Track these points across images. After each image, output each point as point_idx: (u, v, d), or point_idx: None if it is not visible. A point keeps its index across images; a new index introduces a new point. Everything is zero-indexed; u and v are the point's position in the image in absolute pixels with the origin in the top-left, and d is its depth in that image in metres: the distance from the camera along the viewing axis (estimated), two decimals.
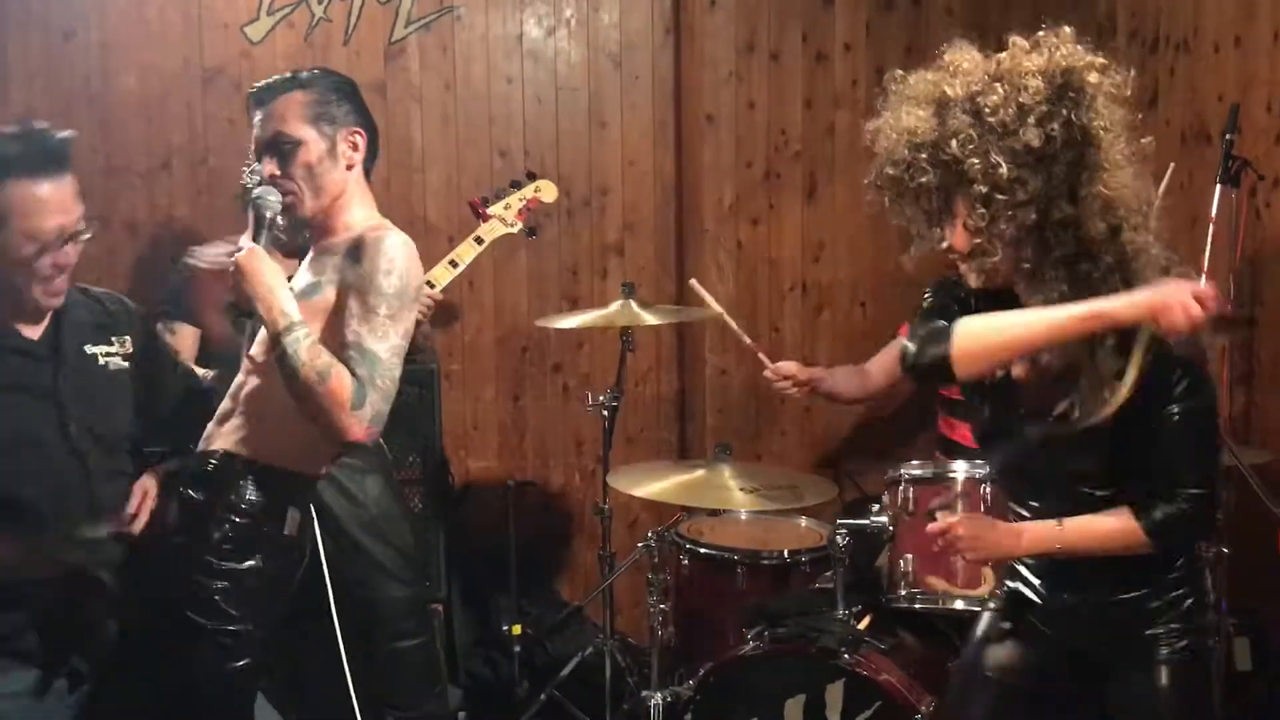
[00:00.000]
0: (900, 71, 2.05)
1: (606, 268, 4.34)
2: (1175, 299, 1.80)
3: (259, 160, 2.37)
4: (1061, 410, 1.98)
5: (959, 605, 2.85)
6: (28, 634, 2.24)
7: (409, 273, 2.23)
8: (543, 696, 3.69)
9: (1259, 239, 3.44)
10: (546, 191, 3.56)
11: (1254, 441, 3.43)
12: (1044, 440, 2.01)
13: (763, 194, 4.33)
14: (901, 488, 3.00)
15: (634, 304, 3.60)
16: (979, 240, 1.95)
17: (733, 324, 3.36)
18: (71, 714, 2.29)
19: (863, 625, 3.01)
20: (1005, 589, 2.19)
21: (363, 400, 2.14)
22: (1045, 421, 2.00)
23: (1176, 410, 1.92)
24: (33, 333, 2.32)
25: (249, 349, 2.40)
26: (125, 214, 4.05)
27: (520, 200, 3.51)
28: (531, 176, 3.60)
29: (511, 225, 3.48)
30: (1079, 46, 1.94)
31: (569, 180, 4.24)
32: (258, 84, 2.40)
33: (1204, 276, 3.17)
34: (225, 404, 2.40)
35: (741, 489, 3.34)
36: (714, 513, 3.58)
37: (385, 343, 2.18)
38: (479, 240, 3.42)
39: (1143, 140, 1.97)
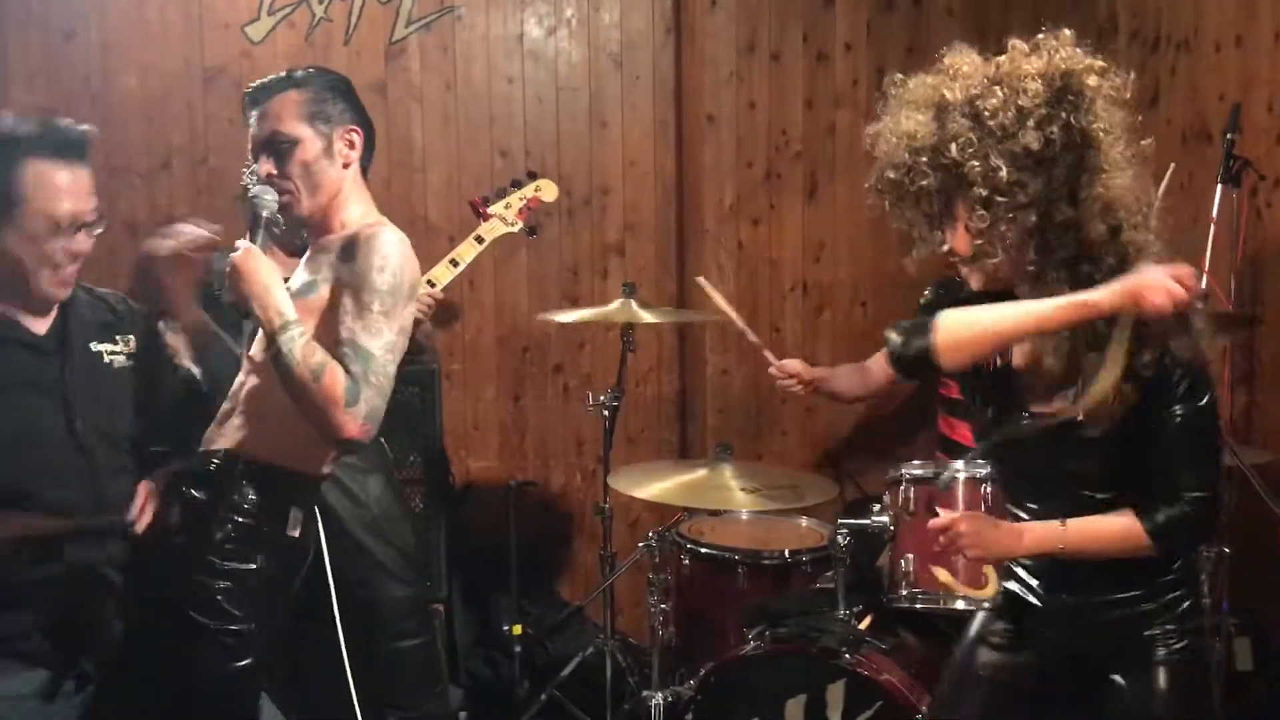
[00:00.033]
0: (900, 75, 2.05)
1: (607, 268, 4.34)
2: (1154, 281, 1.81)
3: (255, 160, 2.37)
4: (1063, 412, 1.98)
5: (960, 605, 2.84)
6: (35, 635, 2.24)
7: (402, 269, 2.23)
8: (543, 696, 3.69)
9: (1260, 239, 3.44)
10: (547, 191, 3.56)
11: (1255, 441, 3.44)
12: (1045, 442, 2.01)
13: (763, 194, 4.33)
14: (902, 487, 2.99)
15: (634, 304, 3.60)
16: (980, 242, 1.95)
17: (739, 321, 3.36)
18: (76, 715, 2.29)
19: (864, 625, 3.01)
20: (1001, 590, 2.19)
21: (357, 397, 2.14)
22: (1047, 423, 2.00)
23: (1178, 413, 1.92)
24: (39, 327, 2.32)
25: (248, 349, 2.40)
26: (126, 214, 4.05)
27: (521, 199, 3.51)
28: (532, 176, 3.60)
29: (512, 224, 3.48)
30: (1079, 49, 1.94)
31: (570, 180, 4.24)
32: (253, 84, 2.40)
33: (1205, 276, 3.18)
34: (226, 404, 2.40)
35: (742, 489, 3.34)
36: (715, 513, 3.58)
37: (379, 339, 2.18)
38: (479, 239, 3.41)
39: (1143, 142, 1.97)
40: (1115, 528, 1.96)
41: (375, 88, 4.13)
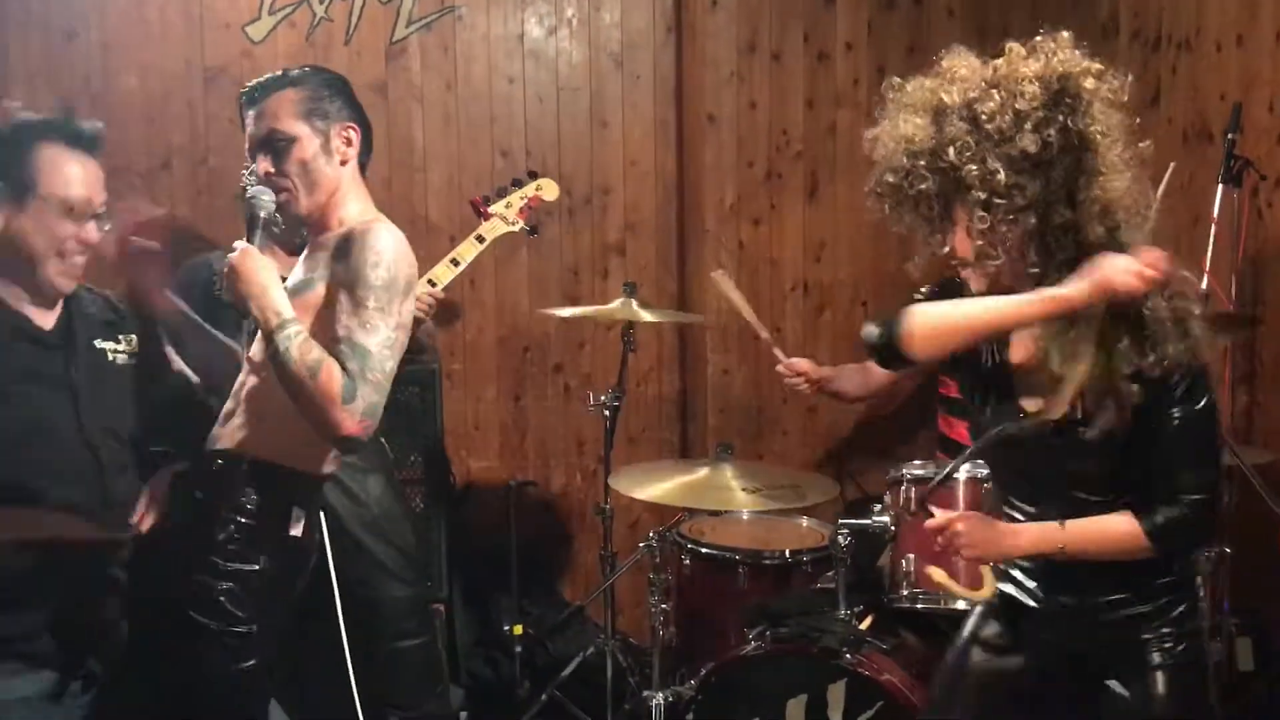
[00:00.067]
0: (898, 79, 2.05)
1: (608, 268, 4.34)
2: (1119, 266, 1.83)
3: (253, 159, 2.37)
4: (1045, 410, 1.98)
5: (961, 605, 2.85)
6: (42, 635, 2.24)
7: (397, 264, 2.22)
8: (544, 696, 3.69)
9: (1261, 239, 3.44)
10: (548, 190, 3.56)
11: (1256, 441, 3.43)
12: (1043, 442, 2.01)
13: (764, 194, 4.33)
14: (903, 487, 3.00)
15: (635, 304, 3.61)
16: (981, 244, 1.96)
17: (751, 318, 3.37)
18: (82, 715, 2.29)
19: (864, 625, 3.01)
20: (997, 591, 2.19)
21: (353, 394, 2.14)
22: (1040, 423, 2.00)
23: (1177, 415, 1.92)
24: (45, 321, 2.33)
25: (248, 348, 2.40)
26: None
27: (522, 199, 3.51)
28: (533, 175, 3.60)
29: (513, 223, 3.48)
30: (1076, 51, 1.94)
31: (570, 180, 4.24)
32: (249, 84, 2.40)
33: (1205, 276, 3.18)
34: (228, 404, 2.40)
35: (743, 489, 3.34)
36: (716, 513, 3.57)
37: (375, 336, 2.17)
38: (480, 239, 3.41)
39: (1141, 144, 1.97)
40: (1114, 528, 1.96)
41: (376, 88, 4.13)
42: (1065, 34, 1.95)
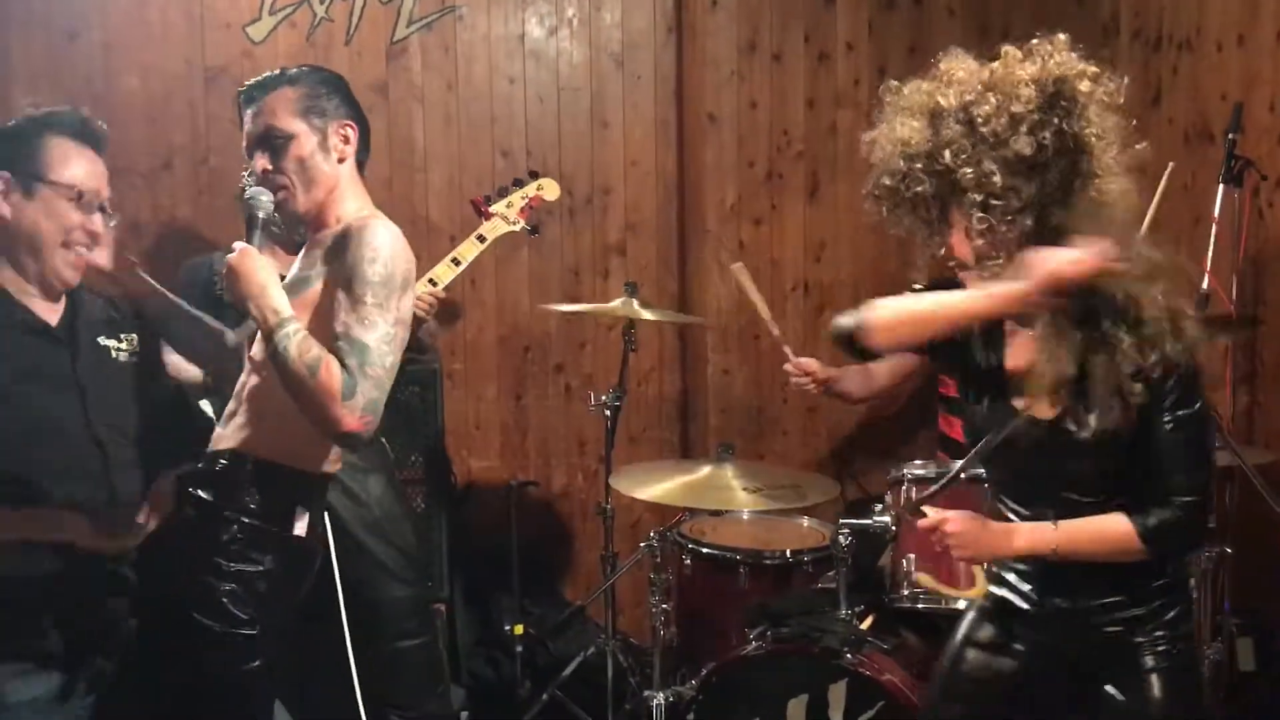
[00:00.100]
0: (895, 82, 2.06)
1: (608, 268, 4.34)
2: (1065, 257, 1.83)
3: (250, 156, 2.38)
4: (1058, 418, 1.99)
5: (961, 605, 2.85)
6: (51, 636, 2.24)
7: (394, 260, 2.22)
8: (545, 696, 3.70)
9: (1261, 239, 3.44)
10: (549, 189, 3.56)
11: (1257, 441, 3.43)
12: (1037, 443, 2.01)
13: (765, 194, 4.33)
14: (904, 487, 3.01)
15: (636, 303, 3.61)
16: (978, 245, 1.96)
17: (765, 314, 3.39)
18: (87, 716, 2.29)
19: (865, 625, 3.01)
20: (990, 596, 2.19)
21: (353, 391, 2.14)
22: (1039, 426, 2.00)
23: (1171, 417, 1.92)
24: (50, 316, 2.34)
25: (250, 348, 2.40)
26: (128, 214, 4.03)
27: (523, 198, 3.51)
28: (534, 175, 3.61)
29: (514, 223, 3.48)
30: (1073, 54, 1.95)
31: (571, 180, 4.24)
32: (247, 82, 2.41)
33: (1206, 276, 3.18)
34: (231, 404, 2.41)
35: (744, 489, 3.34)
36: (716, 513, 3.58)
37: (374, 331, 2.17)
38: (481, 238, 3.41)
39: (1137, 147, 1.98)
40: (1107, 530, 1.96)
41: (376, 88, 4.13)
42: (1062, 36, 1.96)
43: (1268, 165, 3.35)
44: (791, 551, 3.30)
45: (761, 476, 3.42)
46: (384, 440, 3.20)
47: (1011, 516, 2.12)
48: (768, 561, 3.30)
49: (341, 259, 2.22)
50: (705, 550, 3.35)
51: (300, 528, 2.35)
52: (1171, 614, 2.02)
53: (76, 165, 2.32)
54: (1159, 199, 3.18)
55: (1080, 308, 1.88)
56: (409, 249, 2.29)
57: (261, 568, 2.28)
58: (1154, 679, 1.99)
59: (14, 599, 2.20)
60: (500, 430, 4.36)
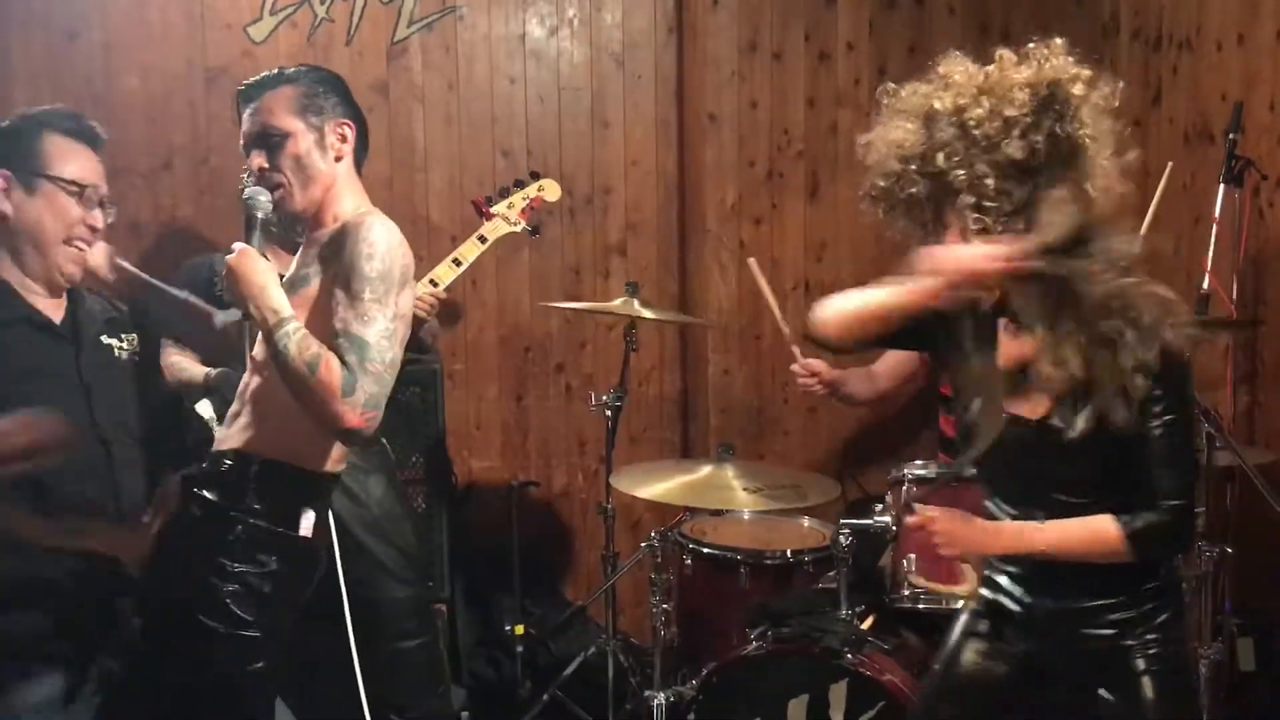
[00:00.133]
0: (892, 85, 2.06)
1: (609, 268, 4.34)
2: (969, 252, 1.89)
3: (247, 155, 2.39)
4: (1045, 418, 1.99)
5: (962, 605, 2.85)
6: (57, 637, 2.24)
7: (391, 255, 2.23)
8: (545, 696, 3.70)
9: (1262, 239, 3.44)
10: (550, 190, 3.57)
11: (1258, 442, 3.43)
12: (1026, 444, 2.02)
13: (765, 193, 4.33)
14: (905, 487, 3.01)
15: (637, 303, 3.61)
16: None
17: (777, 313, 3.39)
18: (91, 716, 2.29)
19: (866, 625, 3.01)
20: (983, 600, 2.19)
21: (353, 387, 2.14)
22: (1029, 426, 2.01)
23: (1158, 421, 1.92)
24: (54, 313, 2.35)
25: (251, 349, 2.40)
26: (128, 214, 4.04)
27: (524, 199, 3.51)
28: (535, 176, 3.61)
29: (515, 224, 3.48)
30: (1069, 58, 1.95)
31: (571, 180, 4.24)
32: (246, 81, 2.42)
33: (1207, 276, 3.18)
34: (234, 405, 2.41)
35: (744, 489, 3.34)
36: (717, 512, 3.58)
37: (373, 327, 2.18)
38: (482, 239, 3.42)
39: (1129, 155, 1.98)
40: (1093, 531, 1.97)
41: (377, 88, 4.13)
42: (1059, 40, 1.97)
43: (1268, 165, 3.35)
44: (792, 551, 3.30)
45: (762, 476, 3.42)
46: (384, 441, 3.20)
47: (1002, 517, 2.12)
48: (768, 561, 3.30)
49: (339, 256, 2.23)
50: (706, 550, 3.35)
51: (306, 528, 2.35)
52: (1163, 617, 2.02)
53: (75, 161, 2.34)
54: (1159, 199, 3.18)
55: (1053, 301, 1.89)
56: (406, 245, 2.29)
57: (266, 569, 2.28)
58: (1146, 682, 2.00)
59: (20, 600, 2.21)
60: (501, 430, 4.36)
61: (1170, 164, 3.25)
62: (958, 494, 2.75)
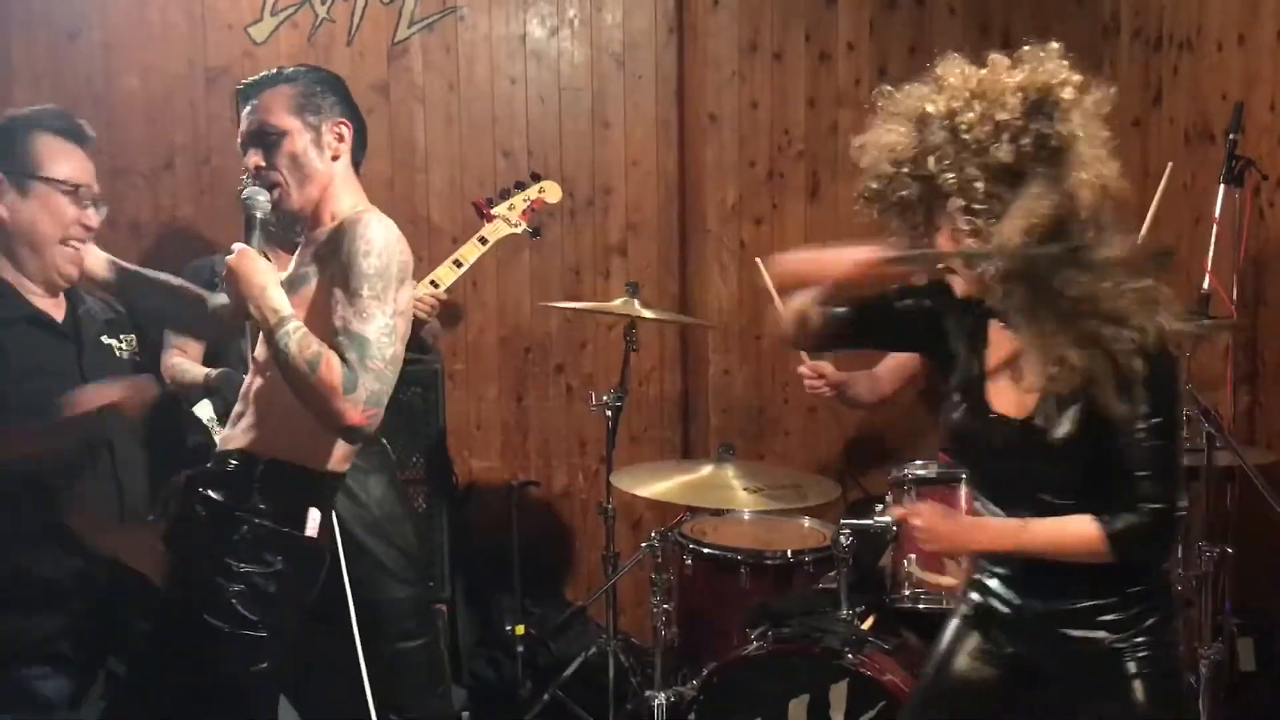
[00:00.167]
0: (889, 87, 2.07)
1: (609, 268, 4.34)
2: (800, 256, 2.09)
3: (244, 153, 2.39)
4: (1029, 418, 2.00)
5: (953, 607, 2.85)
6: (67, 638, 2.24)
7: (388, 251, 2.23)
8: (546, 697, 3.70)
9: (1262, 239, 3.44)
10: (551, 192, 3.57)
11: (1259, 442, 3.43)
12: (1010, 444, 2.02)
13: (766, 194, 4.34)
14: (905, 488, 3.00)
15: (637, 303, 3.61)
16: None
17: (783, 313, 3.38)
18: (98, 716, 2.30)
19: (866, 625, 3.01)
20: (973, 604, 2.19)
21: (354, 384, 2.14)
22: (1013, 426, 2.01)
23: (1141, 423, 1.92)
24: (56, 313, 2.36)
25: (252, 349, 2.41)
26: (129, 214, 4.06)
27: (524, 201, 3.52)
28: (536, 177, 3.61)
29: (515, 225, 3.49)
30: (1063, 62, 1.96)
31: (572, 180, 4.24)
32: (244, 81, 2.42)
33: (1207, 276, 3.18)
34: (238, 405, 2.41)
35: (745, 489, 3.35)
36: (717, 512, 3.58)
37: (372, 323, 2.18)
38: (483, 240, 3.42)
39: (1118, 160, 1.99)
40: (1075, 531, 1.97)
41: (378, 88, 4.13)
42: (1055, 45, 1.97)
43: (1268, 165, 3.35)
44: (792, 552, 3.30)
45: (762, 476, 3.42)
46: (385, 441, 3.21)
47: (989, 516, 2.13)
48: (769, 562, 3.30)
49: (336, 254, 2.23)
50: (706, 550, 3.35)
51: (311, 528, 2.35)
52: (1153, 620, 2.02)
53: (67, 161, 2.35)
54: (1159, 199, 3.18)
55: (1029, 300, 1.91)
56: (404, 242, 2.29)
57: (272, 569, 2.27)
58: (1138, 685, 2.00)
59: (29, 601, 2.21)
60: (501, 430, 4.36)
61: (1170, 164, 3.24)
62: (956, 494, 2.77)
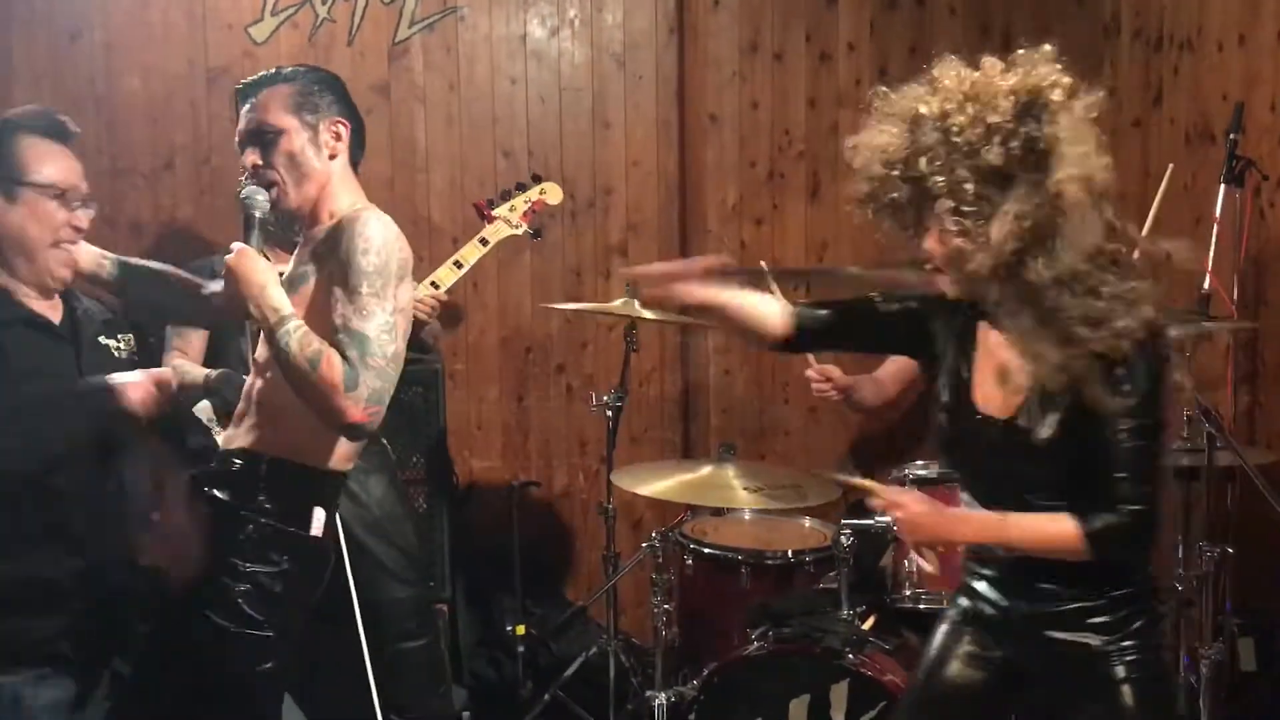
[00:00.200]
0: (884, 88, 2.08)
1: (610, 268, 4.34)
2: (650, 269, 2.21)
3: (242, 152, 2.39)
4: (1013, 418, 2.00)
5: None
6: (68, 639, 2.24)
7: (387, 249, 2.23)
8: (546, 697, 3.70)
9: (1263, 239, 3.44)
10: (551, 194, 3.57)
11: (1259, 442, 3.44)
12: (995, 444, 2.03)
13: (766, 194, 4.34)
14: (905, 488, 3.00)
15: (637, 304, 3.61)
16: (955, 248, 1.98)
17: None
18: (101, 718, 2.29)
19: (867, 625, 3.01)
20: (961, 608, 2.20)
21: (355, 381, 2.15)
22: (997, 426, 2.02)
23: (1123, 425, 1.93)
24: (53, 315, 2.35)
25: (253, 351, 2.41)
26: (130, 214, 4.06)
27: (525, 202, 3.52)
28: (537, 179, 3.61)
29: (516, 227, 3.49)
30: (1055, 65, 1.96)
31: (573, 181, 4.24)
32: (243, 81, 2.43)
33: (1208, 276, 3.18)
34: (240, 405, 2.42)
35: (745, 489, 3.35)
36: (718, 512, 3.58)
37: (372, 321, 2.18)
38: (484, 242, 3.42)
39: (1109, 164, 1.99)
40: (1054, 528, 1.97)
41: (378, 88, 4.13)
42: (1048, 48, 1.98)
43: (1269, 165, 3.35)
44: (793, 552, 3.30)
45: (763, 476, 3.42)
46: (385, 441, 3.21)
47: None
48: (769, 562, 3.31)
49: (335, 252, 2.23)
50: (707, 550, 3.35)
51: (316, 527, 2.35)
52: (1140, 623, 2.03)
53: (53, 163, 2.31)
54: (1160, 200, 3.19)
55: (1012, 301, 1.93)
56: (404, 239, 2.29)
57: (278, 568, 2.27)
58: (1126, 689, 2.01)
59: (33, 603, 2.21)
60: (502, 431, 4.36)
61: (1171, 166, 3.25)
62: (956, 494, 2.77)
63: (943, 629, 2.23)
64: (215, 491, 2.30)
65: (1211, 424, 2.94)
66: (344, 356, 2.15)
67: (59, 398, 2.29)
